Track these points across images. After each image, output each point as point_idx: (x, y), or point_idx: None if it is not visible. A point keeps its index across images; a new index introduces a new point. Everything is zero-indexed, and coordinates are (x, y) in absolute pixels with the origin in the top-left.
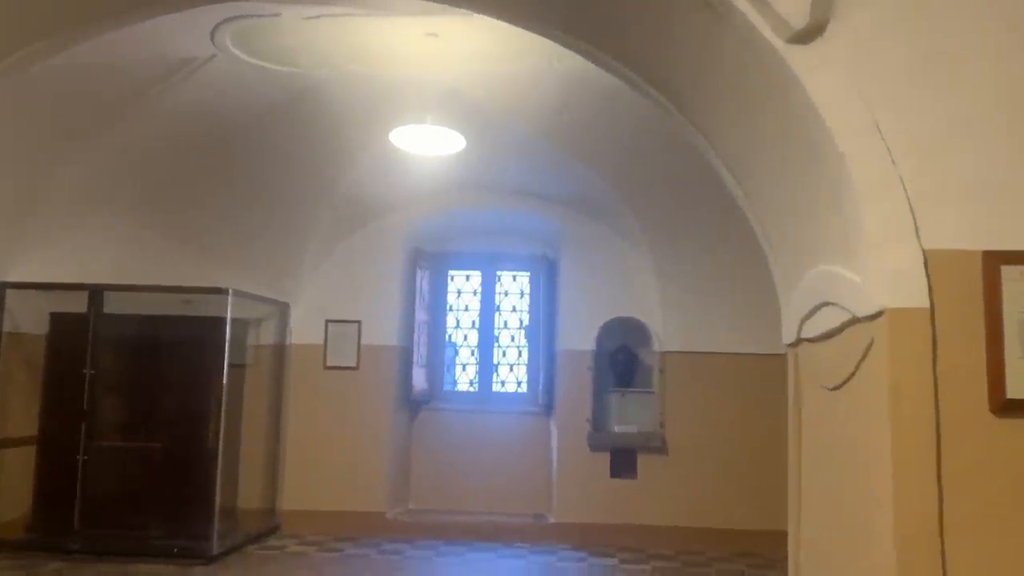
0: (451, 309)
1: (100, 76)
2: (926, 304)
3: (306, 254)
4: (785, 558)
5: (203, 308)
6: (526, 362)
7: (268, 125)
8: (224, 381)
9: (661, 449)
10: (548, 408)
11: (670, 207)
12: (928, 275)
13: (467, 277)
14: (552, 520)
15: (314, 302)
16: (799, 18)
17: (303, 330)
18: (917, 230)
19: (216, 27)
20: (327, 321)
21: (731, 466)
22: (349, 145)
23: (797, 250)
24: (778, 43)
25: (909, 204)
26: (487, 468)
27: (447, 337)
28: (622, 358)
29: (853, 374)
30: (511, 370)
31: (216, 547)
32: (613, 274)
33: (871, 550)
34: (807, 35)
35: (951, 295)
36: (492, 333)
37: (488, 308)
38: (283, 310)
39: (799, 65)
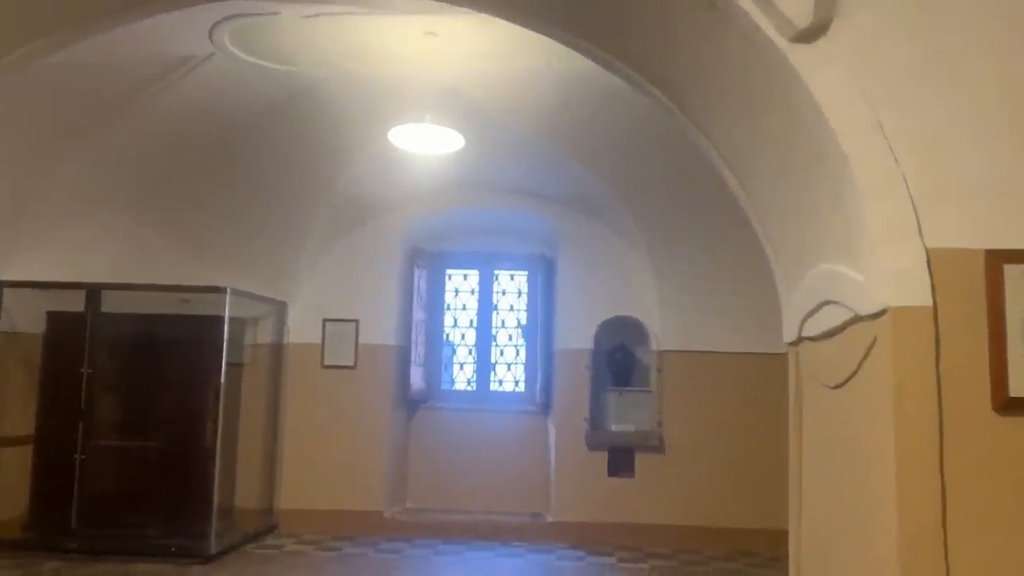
0: (449, 308)
1: (98, 75)
2: (929, 303)
3: (304, 253)
4: (783, 557)
5: (201, 307)
6: (524, 361)
7: (266, 124)
8: (222, 380)
9: (658, 448)
10: (546, 407)
11: (668, 206)
12: (931, 274)
13: (465, 276)
14: (550, 519)
15: (312, 301)
16: (803, 17)
17: (301, 329)
18: (920, 229)
19: (214, 25)
20: (325, 320)
21: (729, 465)
22: (347, 144)
23: (799, 249)
24: (781, 42)
25: (912, 203)
26: (485, 467)
27: (445, 336)
28: (620, 357)
29: (855, 372)
30: (509, 369)
31: (214, 546)
32: (611, 273)
33: (874, 548)
34: (810, 34)
35: (954, 294)
36: (490, 332)
37: (486, 307)
38: (281, 309)
39: (802, 64)
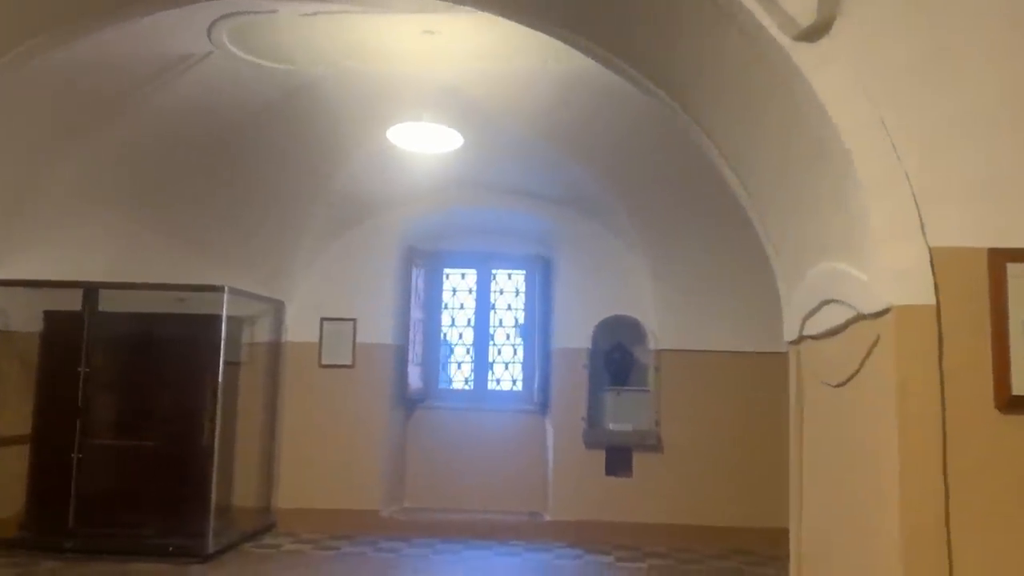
0: (446, 307)
1: (96, 73)
2: (932, 301)
3: (301, 252)
4: (780, 556)
5: (198, 306)
6: (521, 360)
7: (264, 122)
8: (219, 379)
9: (656, 447)
10: (543, 406)
11: (665, 206)
12: (934, 272)
13: (462, 275)
14: (548, 518)
15: (309, 300)
16: (806, 15)
17: (298, 328)
18: (923, 227)
19: (213, 24)
20: (322, 319)
21: (726, 464)
22: (345, 143)
23: (800, 248)
24: (784, 40)
25: (915, 201)
26: (483, 466)
27: (442, 335)
28: (617, 356)
29: (857, 371)
30: (506, 368)
31: (211, 545)
32: (608, 273)
33: (876, 547)
34: (814, 32)
35: (957, 292)
36: (487, 331)
37: (483, 306)
38: (278, 308)
39: (805, 62)
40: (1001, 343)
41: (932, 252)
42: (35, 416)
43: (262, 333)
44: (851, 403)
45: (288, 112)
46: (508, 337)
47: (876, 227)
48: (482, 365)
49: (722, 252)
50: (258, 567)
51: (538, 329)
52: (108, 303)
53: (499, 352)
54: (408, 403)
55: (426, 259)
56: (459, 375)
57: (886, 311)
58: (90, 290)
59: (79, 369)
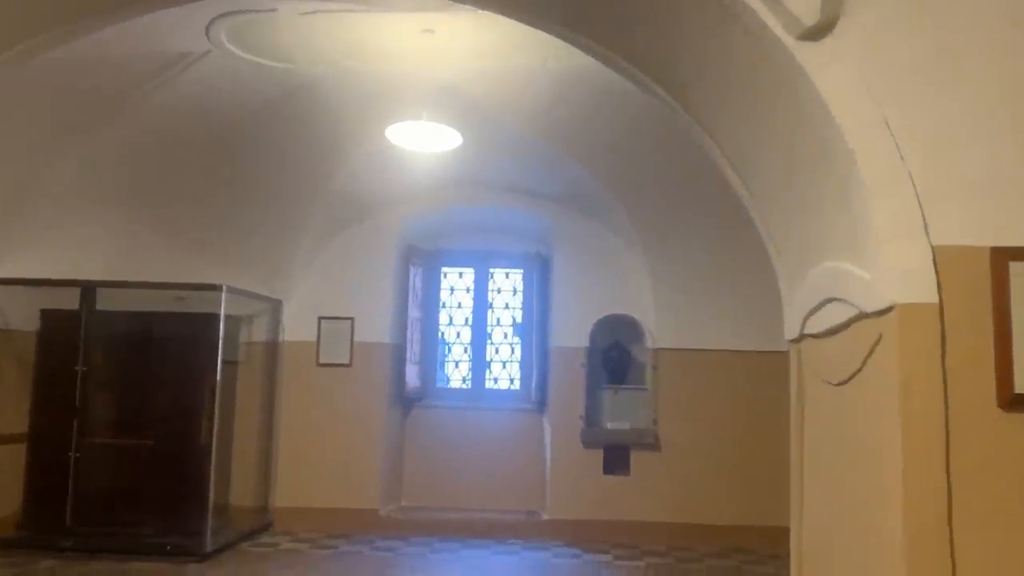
0: (444, 306)
1: (94, 71)
2: (935, 300)
3: (299, 251)
4: (779, 554)
5: (196, 305)
6: (519, 359)
7: (263, 121)
8: (218, 378)
9: (654, 446)
10: (541, 405)
11: (663, 204)
12: (937, 271)
13: (460, 274)
14: (545, 517)
15: (307, 299)
16: (810, 15)
17: (296, 327)
18: (926, 226)
19: (212, 22)
20: (320, 318)
21: (724, 462)
22: (344, 142)
23: (802, 247)
24: (788, 40)
25: (918, 200)
26: (480, 465)
27: (440, 334)
28: (615, 355)
29: (860, 369)
30: (504, 367)
31: (209, 544)
32: (606, 271)
33: (879, 545)
34: (818, 32)
35: (959, 291)
36: (485, 330)
37: (481, 305)
38: (276, 307)
39: (809, 62)
40: (1004, 341)
41: (935, 251)
42: (32, 415)
43: (260, 332)
44: (853, 401)
45: (287, 111)
46: (506, 336)
47: (879, 226)
48: (480, 364)
49: (720, 251)
50: (256, 566)
51: (536, 328)
52: (106, 302)
53: (497, 351)
54: (406, 402)
55: (424, 258)
56: (457, 374)
57: (889, 309)
58: (88, 289)
59: (77, 368)
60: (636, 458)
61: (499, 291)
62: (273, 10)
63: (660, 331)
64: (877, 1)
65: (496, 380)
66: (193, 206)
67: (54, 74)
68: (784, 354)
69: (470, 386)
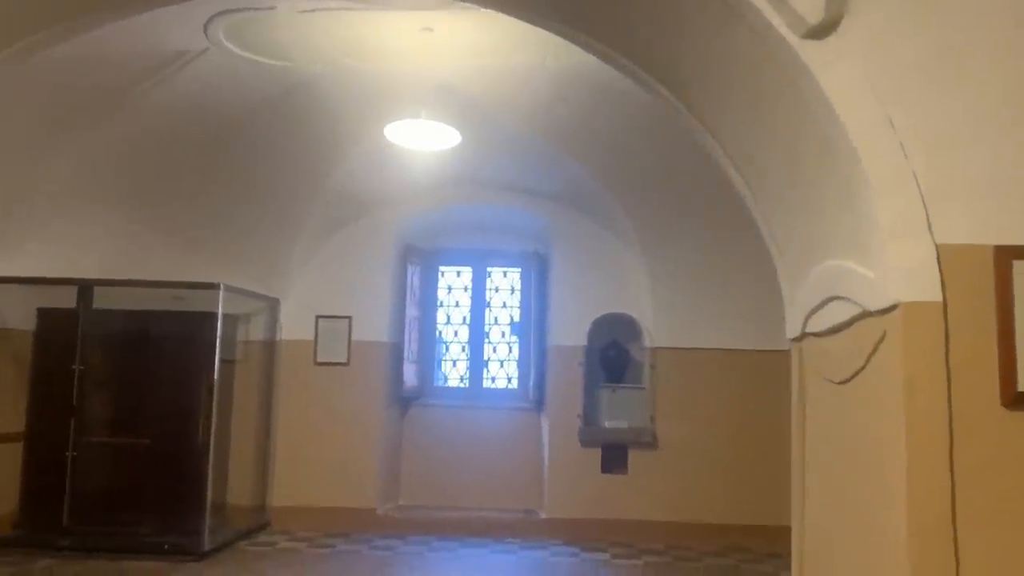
0: (442, 305)
1: (92, 69)
2: (939, 298)
3: (297, 249)
4: (777, 553)
5: (193, 303)
6: (517, 358)
7: (261, 120)
8: (215, 377)
9: (652, 444)
10: (539, 404)
11: (661, 203)
12: (941, 270)
13: (458, 273)
14: (543, 515)
15: (304, 298)
16: (814, 14)
17: (293, 326)
18: (930, 225)
19: (210, 20)
20: (317, 317)
21: (721, 461)
22: (342, 140)
23: (805, 246)
24: (793, 39)
25: (922, 199)
26: (478, 464)
27: (438, 333)
28: (613, 354)
29: (863, 368)
30: (502, 366)
31: (207, 543)
32: (604, 270)
33: (882, 543)
34: (822, 30)
35: (963, 289)
36: (483, 329)
37: (479, 304)
38: (273, 305)
39: (813, 60)
40: (1007, 340)
41: (939, 249)
42: (29, 414)
43: (257, 331)
44: (855, 399)
45: (285, 109)
46: (503, 335)
47: (884, 225)
48: (477, 363)
49: (718, 250)
50: (253, 565)
51: (534, 327)
52: (103, 300)
53: (494, 350)
54: (403, 401)
55: (422, 257)
56: (454, 373)
57: (893, 308)
58: (85, 287)
59: (74, 367)
60: (634, 457)
61: (497, 290)
62: (271, 8)
63: (658, 330)
64: (880, 0)
65: (494, 379)
66: (190, 204)
67: (51, 72)
68: (782, 353)
69: (468, 385)
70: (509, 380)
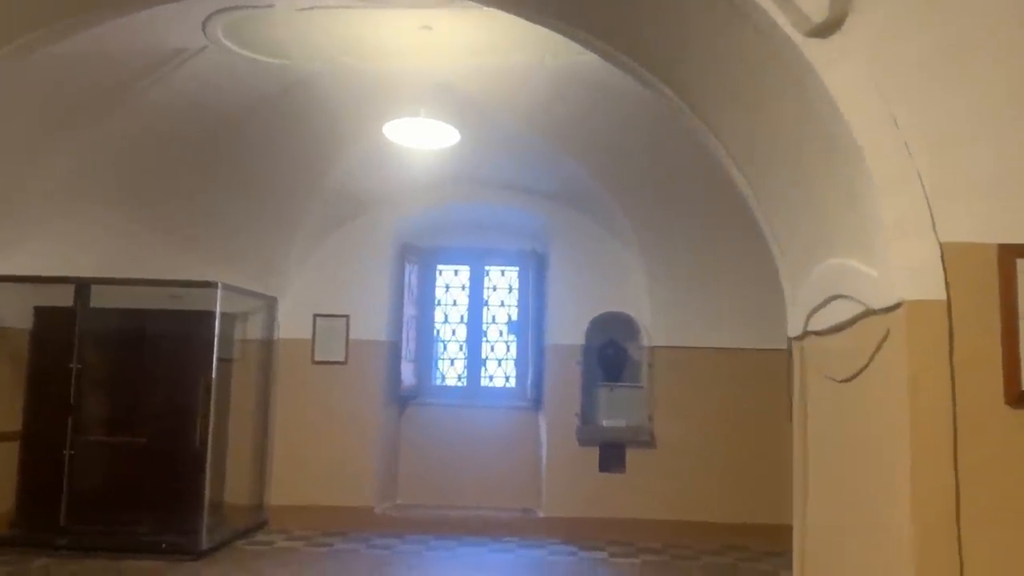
0: (439, 304)
1: (89, 67)
2: (943, 296)
3: (295, 248)
4: (775, 551)
5: (190, 302)
6: (514, 357)
7: (259, 118)
8: (213, 375)
9: (649, 443)
10: (537, 402)
11: (660, 203)
12: (944, 268)
13: (456, 272)
14: (541, 514)
15: (302, 296)
16: (819, 12)
17: (291, 324)
18: (934, 223)
19: (208, 18)
20: (315, 315)
21: (719, 460)
22: (340, 138)
23: (808, 245)
24: (797, 37)
25: (926, 197)
26: (476, 463)
27: (435, 332)
28: (611, 353)
29: (866, 366)
30: (499, 365)
31: (205, 542)
32: (602, 269)
33: (885, 542)
34: (826, 28)
35: (967, 287)
36: (480, 328)
37: (476, 303)
38: (271, 304)
39: (818, 58)
40: (1011, 338)
41: (943, 248)
42: (26, 412)
43: (254, 329)
44: (858, 398)
45: (284, 107)
46: (501, 334)
47: (887, 223)
48: (475, 362)
49: (716, 249)
50: (251, 564)
51: (531, 325)
52: (100, 299)
53: (492, 349)
54: (401, 400)
55: (419, 255)
56: (452, 372)
57: (897, 306)
58: (82, 286)
59: (71, 365)
60: (632, 455)
61: (495, 289)
62: (270, 6)
63: (656, 329)
64: None
65: (492, 378)
66: (188, 203)
67: (48, 69)
68: (779, 352)
69: (466, 384)
70: (507, 379)
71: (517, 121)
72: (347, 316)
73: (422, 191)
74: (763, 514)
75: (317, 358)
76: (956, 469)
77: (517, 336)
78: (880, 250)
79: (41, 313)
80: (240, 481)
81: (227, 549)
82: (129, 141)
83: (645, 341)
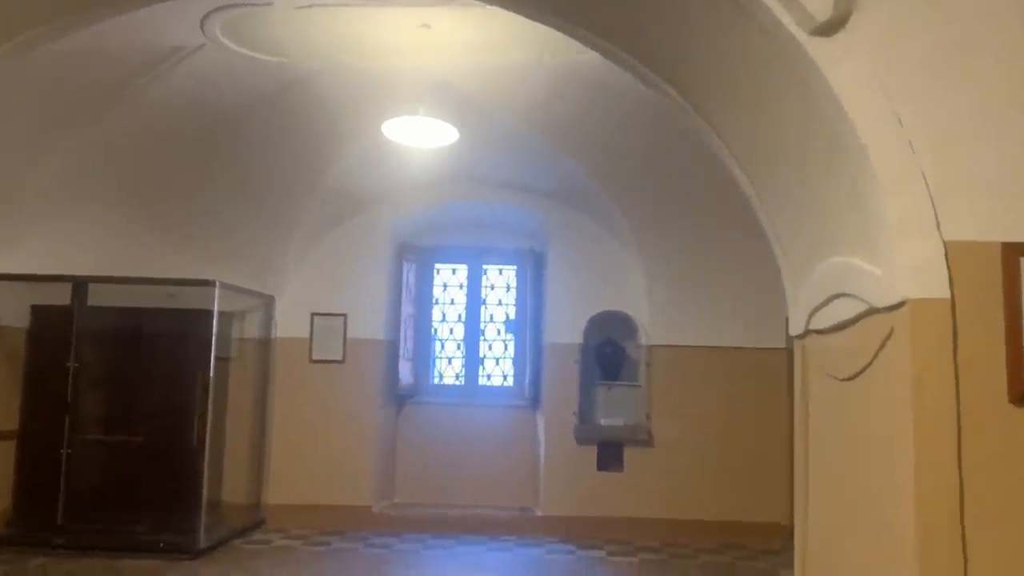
0: (437, 302)
1: (86, 64)
2: (947, 295)
3: (292, 246)
4: (772, 550)
5: (188, 301)
6: (512, 356)
7: (257, 116)
8: (211, 374)
9: (647, 442)
10: (535, 401)
11: (658, 201)
12: (948, 266)
13: (453, 270)
14: (539, 513)
15: (300, 295)
16: (823, 11)
17: (288, 323)
18: (938, 222)
19: (206, 16)
20: (312, 314)
21: (717, 458)
22: (338, 137)
23: (811, 244)
24: (801, 36)
25: (930, 196)
26: (474, 461)
27: (433, 331)
28: (608, 351)
29: (869, 364)
30: (497, 364)
31: (202, 541)
32: (600, 268)
33: (889, 541)
34: (830, 27)
35: (971, 286)
36: (478, 327)
37: (474, 302)
38: (268, 303)
39: (822, 57)
40: (1015, 336)
41: (947, 246)
42: (23, 411)
43: (252, 328)
44: (861, 396)
45: (282, 106)
46: (499, 332)
47: (892, 222)
48: (473, 360)
49: (714, 248)
50: (249, 563)
51: (529, 324)
52: (97, 298)
53: (490, 347)
54: (399, 398)
55: (417, 254)
56: (450, 370)
57: (901, 304)
58: (79, 284)
59: (68, 364)
60: (629, 454)
61: (492, 287)
62: (268, 4)
63: (654, 327)
64: None
65: (489, 377)
66: (186, 201)
67: (45, 67)
68: (777, 351)
69: (463, 383)
70: (505, 378)
71: (515, 119)
72: (345, 315)
73: (420, 190)
74: (761, 512)
75: (315, 357)
76: (960, 467)
77: (515, 335)
78: (884, 249)
79: (38, 312)
80: (237, 480)
81: (225, 548)
82: (127, 139)
83: (643, 340)
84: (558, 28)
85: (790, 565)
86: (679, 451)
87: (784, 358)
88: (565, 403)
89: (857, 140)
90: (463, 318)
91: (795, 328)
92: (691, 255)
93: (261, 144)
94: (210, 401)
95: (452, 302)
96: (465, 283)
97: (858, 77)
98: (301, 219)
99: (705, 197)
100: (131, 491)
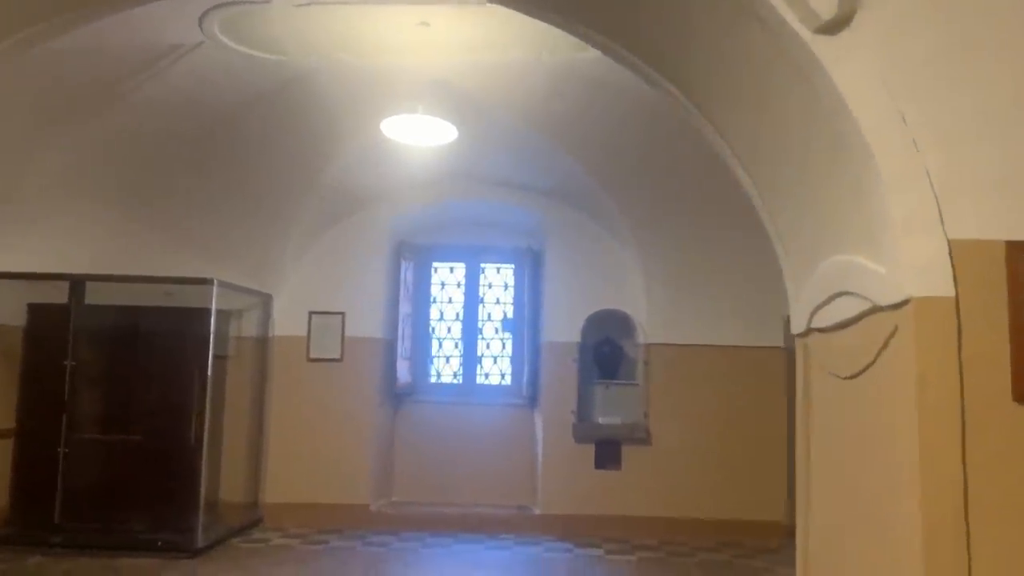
0: (435, 301)
1: (84, 62)
2: (951, 293)
3: (290, 245)
4: (769, 548)
5: (185, 299)
6: (510, 354)
7: (255, 114)
8: (209, 373)
9: (645, 440)
10: (533, 400)
11: (656, 200)
12: (953, 265)
13: (451, 269)
14: (537, 511)
15: (297, 293)
16: (828, 9)
17: (286, 322)
18: (942, 220)
19: (205, 14)
20: (310, 313)
21: (715, 457)
22: (337, 135)
23: (813, 242)
24: (806, 34)
25: (934, 194)
26: (472, 460)
27: (431, 329)
28: (607, 350)
29: (872, 363)
30: (495, 362)
31: (200, 540)
32: (598, 267)
33: (893, 539)
34: (835, 25)
35: (975, 284)
36: (476, 325)
37: (472, 300)
38: (266, 301)
39: (826, 55)
40: (1019, 335)
41: (951, 244)
42: (20, 410)
43: (250, 327)
44: (864, 395)
45: (280, 104)
46: (497, 331)
47: (896, 220)
48: (471, 359)
49: (712, 247)
50: (247, 562)
51: (527, 323)
52: (94, 296)
53: (488, 346)
54: (397, 397)
55: (415, 253)
56: (448, 369)
57: (905, 303)
58: (76, 283)
59: (65, 363)
60: (627, 453)
61: (490, 286)
62: (267, 1)
63: (651, 326)
64: None
65: (487, 375)
66: (183, 199)
67: (43, 65)
68: (775, 349)
69: (461, 381)
70: (503, 376)
71: (514, 118)
72: (343, 313)
73: (419, 188)
74: (758, 511)
75: (312, 355)
76: (964, 465)
77: (513, 333)
78: (888, 247)
79: (35, 310)
80: (235, 478)
81: (222, 547)
82: (125, 137)
83: (641, 338)
84: (558, 25)
85: (788, 563)
86: (677, 450)
87: (782, 357)
88: (563, 402)
89: (861, 139)
90: (461, 317)
91: (797, 326)
92: (689, 254)
93: (259, 142)
94: (208, 400)
95: (450, 301)
96: (463, 282)
97: (862, 76)
98: (299, 217)
99: (703, 196)
100: (129, 490)
